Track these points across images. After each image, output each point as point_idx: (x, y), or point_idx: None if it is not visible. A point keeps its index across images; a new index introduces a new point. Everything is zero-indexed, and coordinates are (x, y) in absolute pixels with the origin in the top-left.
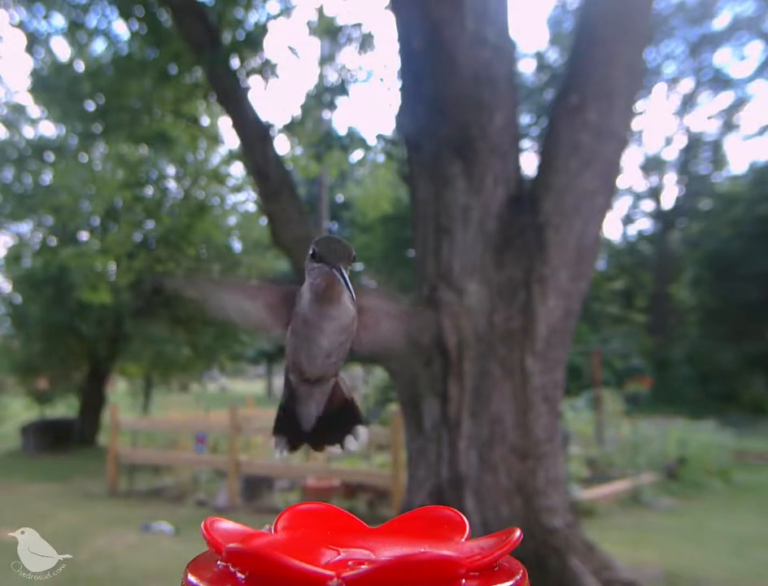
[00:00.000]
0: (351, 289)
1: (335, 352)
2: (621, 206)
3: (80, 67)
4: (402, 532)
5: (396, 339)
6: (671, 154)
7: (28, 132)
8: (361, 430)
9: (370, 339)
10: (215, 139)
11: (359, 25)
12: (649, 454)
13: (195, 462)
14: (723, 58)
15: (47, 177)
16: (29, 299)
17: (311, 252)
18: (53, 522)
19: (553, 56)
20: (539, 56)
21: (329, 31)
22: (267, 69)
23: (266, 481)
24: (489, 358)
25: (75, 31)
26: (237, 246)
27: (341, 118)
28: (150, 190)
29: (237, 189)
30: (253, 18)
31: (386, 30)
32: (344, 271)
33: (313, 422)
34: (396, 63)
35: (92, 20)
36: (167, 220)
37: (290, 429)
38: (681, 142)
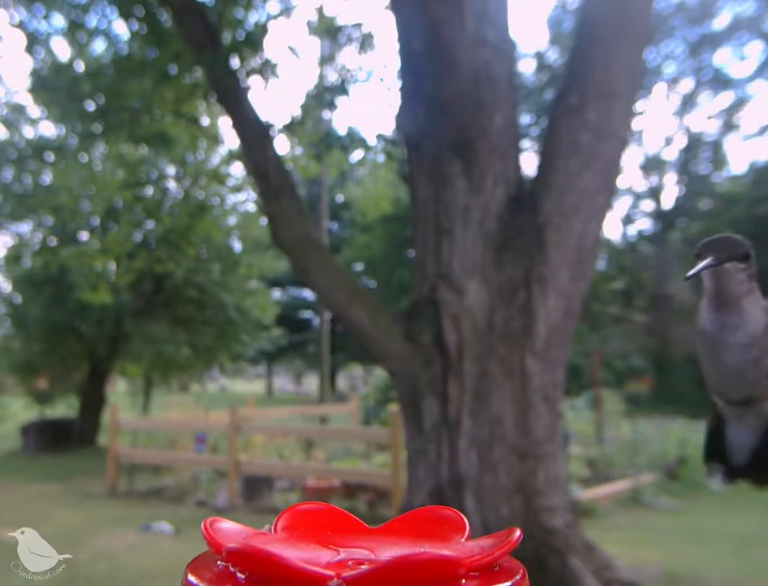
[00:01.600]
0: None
1: (752, 370)
2: (621, 206)
3: (80, 67)
4: (402, 532)
5: None
6: (671, 154)
7: (28, 132)
8: None
9: None
10: (215, 139)
11: (359, 25)
12: (649, 454)
13: (195, 462)
14: (723, 58)
15: (47, 177)
16: (29, 299)
17: (696, 253)
18: (53, 522)
19: (553, 56)
20: (539, 56)
21: (329, 31)
22: (267, 69)
23: (266, 481)
24: (489, 358)
25: (75, 31)
26: (237, 246)
27: (341, 118)
28: (150, 190)
29: (237, 189)
30: (253, 18)
31: (386, 30)
32: (711, 261)
33: (747, 452)
34: (396, 63)
35: (92, 20)
36: (167, 220)
37: (724, 455)
38: (681, 142)
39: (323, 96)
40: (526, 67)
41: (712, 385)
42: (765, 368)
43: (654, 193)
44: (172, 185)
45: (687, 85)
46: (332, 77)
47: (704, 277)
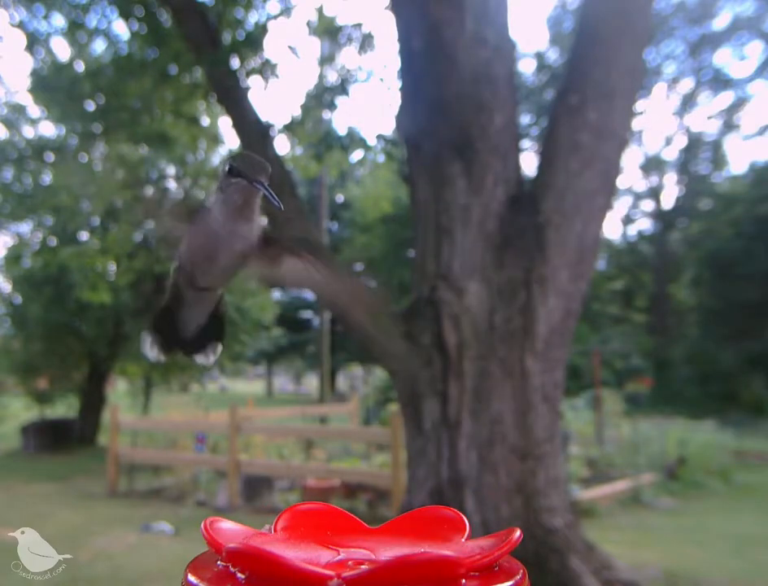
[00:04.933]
0: (276, 199)
1: (233, 266)
2: (621, 206)
3: (80, 67)
4: (402, 532)
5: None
6: (671, 154)
7: (28, 132)
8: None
9: (271, 275)
10: (215, 139)
11: (359, 25)
12: (649, 454)
13: (195, 462)
14: (723, 58)
15: (47, 177)
16: (29, 299)
17: (227, 168)
18: (53, 522)
19: (553, 56)
20: (539, 56)
21: (329, 31)
22: (267, 69)
23: (266, 481)
24: (489, 358)
25: (75, 31)
26: None
27: (341, 118)
28: (150, 190)
29: None
30: (253, 18)
31: (386, 30)
32: (265, 184)
33: (193, 328)
34: (396, 63)
35: (92, 20)
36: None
37: (168, 332)
38: (681, 142)
39: (323, 96)
40: (526, 67)
41: (189, 272)
42: (240, 266)
43: (654, 193)
44: (172, 185)
45: (687, 85)
46: (332, 77)
47: (233, 191)
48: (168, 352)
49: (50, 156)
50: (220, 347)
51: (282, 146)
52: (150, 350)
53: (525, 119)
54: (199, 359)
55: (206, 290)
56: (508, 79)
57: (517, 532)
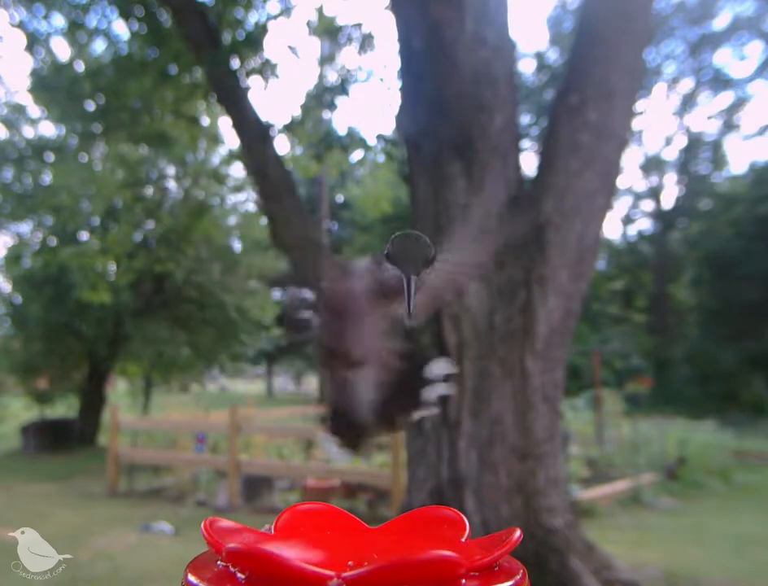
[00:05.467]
0: (412, 303)
1: (382, 330)
2: (621, 206)
3: (80, 67)
4: (402, 532)
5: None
6: (671, 154)
7: (28, 132)
8: (438, 369)
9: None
10: (215, 139)
11: (359, 25)
12: (649, 454)
13: (195, 462)
14: (723, 58)
15: (47, 177)
16: (29, 299)
17: (385, 252)
18: (53, 522)
19: (553, 56)
20: (539, 56)
21: (329, 31)
22: (267, 69)
23: (266, 481)
24: (489, 358)
25: (75, 31)
26: (237, 246)
27: (341, 118)
28: (150, 190)
29: (237, 189)
30: (253, 18)
31: (386, 30)
32: (413, 283)
33: (373, 405)
34: (396, 63)
35: (92, 20)
36: (167, 220)
37: (347, 426)
38: (681, 142)
39: (323, 96)
40: (526, 67)
41: (338, 353)
42: (391, 324)
43: (654, 193)
44: (172, 185)
45: (687, 85)
46: (332, 77)
47: (392, 276)
48: (356, 445)
49: (50, 156)
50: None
51: (282, 146)
52: (343, 451)
53: (525, 119)
54: (412, 418)
55: (361, 365)
56: (508, 79)
57: (517, 532)
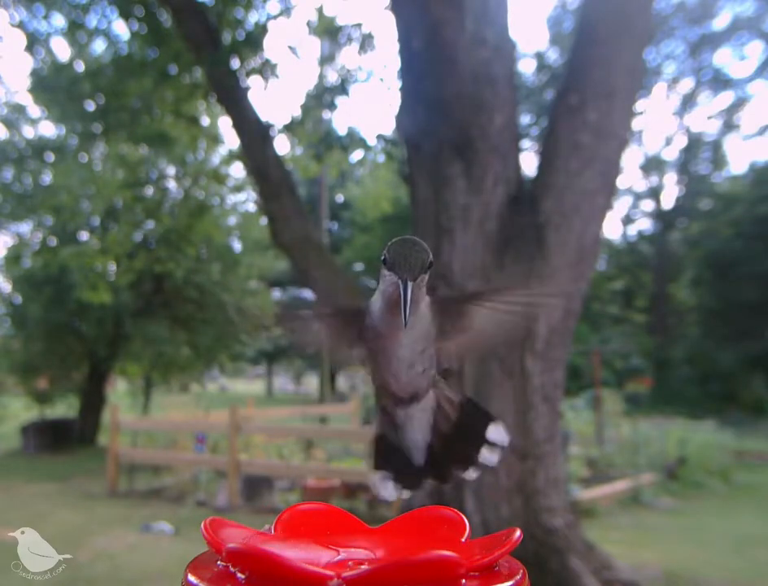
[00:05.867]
0: (408, 309)
1: (419, 361)
2: (621, 206)
3: (80, 67)
4: (402, 532)
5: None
6: (671, 154)
7: (28, 132)
8: (497, 434)
9: (465, 343)
10: (215, 139)
11: (359, 25)
12: (649, 454)
13: (195, 462)
14: (723, 58)
15: (47, 177)
16: (29, 299)
17: (382, 258)
18: (53, 522)
19: (553, 56)
20: (539, 56)
21: (329, 31)
22: (267, 69)
23: (266, 481)
24: (489, 358)
25: (75, 31)
26: (237, 246)
27: (341, 118)
28: (150, 190)
29: (237, 189)
30: (253, 18)
31: (386, 30)
32: (410, 286)
33: (425, 449)
34: (396, 63)
35: (92, 20)
36: (167, 220)
37: (398, 463)
38: (681, 142)
39: (323, 96)
40: (526, 67)
41: (381, 385)
42: (431, 358)
43: (654, 193)
44: (172, 185)
45: (687, 85)
46: (332, 77)
47: (389, 282)
48: (412, 486)
49: (50, 156)
50: (479, 459)
51: (282, 146)
52: (389, 493)
53: (525, 119)
54: (465, 475)
55: (412, 400)
56: (508, 79)
57: (517, 532)
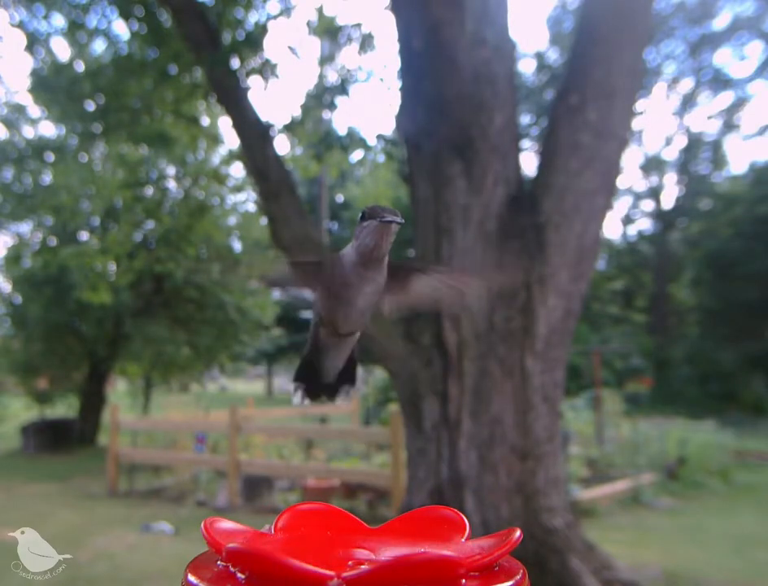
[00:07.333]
0: (401, 221)
1: (368, 310)
2: (621, 206)
3: (80, 67)
4: (402, 532)
5: (431, 302)
6: (671, 154)
7: (28, 132)
8: (360, 374)
9: (402, 301)
10: (215, 139)
11: (359, 25)
12: (649, 454)
13: (195, 462)
14: (723, 58)
15: (47, 177)
16: (29, 299)
17: (360, 216)
18: (53, 522)
19: (553, 56)
20: (539, 56)
21: (329, 31)
22: (267, 69)
23: (266, 481)
24: (489, 358)
25: (75, 31)
26: (237, 246)
27: (341, 118)
28: (150, 190)
29: (237, 189)
30: (253, 18)
31: (386, 30)
32: (389, 223)
33: (335, 373)
34: (396, 63)
35: (92, 20)
36: (167, 220)
37: (311, 379)
38: (681, 142)
39: (323, 96)
40: (526, 67)
41: (329, 321)
42: (374, 306)
43: (654, 193)
44: (172, 185)
45: (687, 85)
46: (332, 77)
47: (366, 233)
48: (314, 397)
49: (50, 156)
50: (355, 388)
51: (282, 146)
52: (299, 398)
53: (525, 119)
54: (339, 399)
55: (346, 336)
56: (508, 79)
57: (517, 532)
